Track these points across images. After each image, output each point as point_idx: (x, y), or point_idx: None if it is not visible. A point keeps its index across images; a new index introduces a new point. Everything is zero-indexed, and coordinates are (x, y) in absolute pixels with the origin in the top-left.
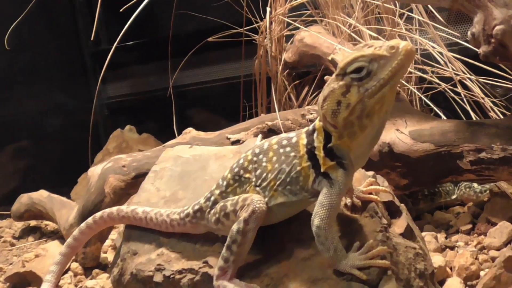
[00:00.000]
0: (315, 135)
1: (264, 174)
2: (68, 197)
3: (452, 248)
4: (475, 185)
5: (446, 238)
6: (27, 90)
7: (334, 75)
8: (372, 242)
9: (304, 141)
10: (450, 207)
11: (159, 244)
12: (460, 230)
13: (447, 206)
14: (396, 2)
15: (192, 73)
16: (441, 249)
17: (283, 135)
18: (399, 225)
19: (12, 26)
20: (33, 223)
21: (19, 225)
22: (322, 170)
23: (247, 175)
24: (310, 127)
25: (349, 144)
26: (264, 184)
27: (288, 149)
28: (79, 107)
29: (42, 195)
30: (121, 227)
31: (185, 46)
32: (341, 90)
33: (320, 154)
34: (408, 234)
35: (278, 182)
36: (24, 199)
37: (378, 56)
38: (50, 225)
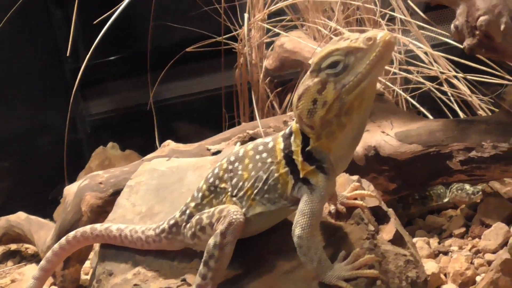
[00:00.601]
0: (292, 138)
1: (241, 183)
2: (51, 218)
3: (445, 253)
4: (467, 186)
5: (439, 243)
6: (5, 108)
7: (308, 72)
8: (358, 251)
9: (281, 145)
10: (442, 211)
11: (135, 263)
12: (453, 234)
13: (439, 209)
14: (376, 1)
15: (172, 86)
16: (434, 255)
17: (259, 140)
18: (388, 231)
19: None
20: (13, 246)
21: None
22: (301, 175)
23: (222, 185)
24: (287, 130)
25: (328, 145)
26: (241, 193)
27: (264, 155)
28: (59, 125)
29: (19, 217)
30: (97, 246)
31: (164, 59)
32: (317, 87)
33: (298, 158)
34: (397, 240)
35: (255, 191)
36: (1, 222)
37: (355, 48)
38: (31, 248)
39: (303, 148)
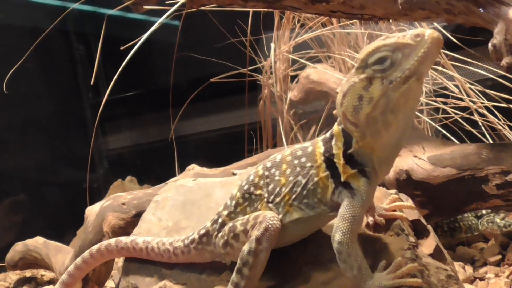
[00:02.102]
0: (333, 141)
1: (278, 189)
2: None
3: (482, 279)
4: (498, 219)
5: (473, 270)
6: (25, 143)
7: (353, 69)
8: (400, 260)
9: (321, 149)
10: (471, 243)
11: (161, 276)
12: (488, 262)
13: (469, 242)
14: (406, 29)
15: (194, 123)
16: (470, 280)
17: (297, 145)
18: (427, 245)
19: (8, 75)
20: (28, 273)
21: (14, 277)
22: (342, 179)
23: (258, 192)
24: (328, 133)
25: (372, 144)
26: (278, 199)
27: (303, 159)
28: (78, 159)
29: (37, 241)
30: (119, 263)
31: (187, 95)
32: (363, 84)
33: (339, 161)
34: (437, 255)
35: (293, 196)
36: (19, 247)
37: (402, 45)
38: (46, 275)
39: (345, 151)
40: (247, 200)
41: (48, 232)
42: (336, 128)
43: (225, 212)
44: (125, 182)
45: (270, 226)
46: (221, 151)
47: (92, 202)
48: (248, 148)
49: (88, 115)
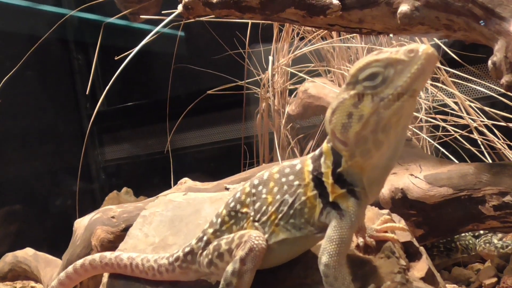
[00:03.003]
0: (322, 159)
1: (264, 207)
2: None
3: None
4: (495, 240)
5: None
6: (22, 153)
7: (344, 85)
8: (389, 284)
9: (309, 167)
10: (468, 264)
11: None
12: (483, 285)
13: (465, 262)
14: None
15: (191, 136)
16: None
17: (286, 163)
18: (419, 268)
19: (3, 82)
20: (19, 285)
21: None
22: (330, 199)
23: (244, 210)
24: (317, 151)
25: (362, 165)
26: (264, 218)
27: (291, 177)
28: (75, 170)
29: (27, 253)
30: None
31: (184, 107)
32: (353, 100)
33: (328, 181)
34: (429, 279)
35: (279, 216)
36: (8, 258)
37: (395, 60)
38: (36, 287)
39: (334, 170)
40: (233, 218)
41: (43, 242)
42: (325, 145)
43: (211, 230)
44: (121, 193)
45: (255, 246)
46: (217, 165)
47: (87, 213)
48: (244, 162)
49: (86, 125)
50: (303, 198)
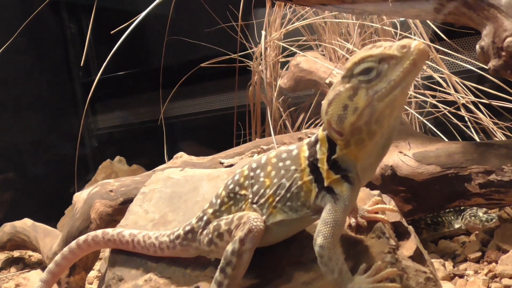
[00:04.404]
0: (317, 146)
1: (262, 190)
2: (55, 229)
3: (461, 276)
4: (480, 213)
5: (453, 266)
6: (15, 121)
7: (339, 77)
8: (380, 264)
9: (305, 153)
10: (454, 237)
11: (147, 269)
12: (468, 258)
13: (451, 235)
14: (397, 24)
15: (184, 104)
16: (450, 277)
17: (283, 148)
18: (408, 247)
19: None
20: (16, 254)
21: (2, 257)
22: (325, 184)
23: (243, 192)
24: (312, 138)
25: (356, 153)
26: (262, 201)
27: (288, 162)
28: (68, 138)
29: (26, 223)
30: (107, 252)
31: (177, 77)
32: (348, 93)
33: (323, 166)
34: (417, 257)
35: (277, 198)
36: (7, 228)
37: (388, 56)
38: (34, 256)
39: (329, 157)
40: (232, 199)
41: (37, 210)
42: (321, 133)
43: (210, 210)
44: (114, 162)
45: (253, 227)
46: (210, 133)
47: (81, 181)
48: (237, 133)
49: (79, 94)
50: (299, 182)
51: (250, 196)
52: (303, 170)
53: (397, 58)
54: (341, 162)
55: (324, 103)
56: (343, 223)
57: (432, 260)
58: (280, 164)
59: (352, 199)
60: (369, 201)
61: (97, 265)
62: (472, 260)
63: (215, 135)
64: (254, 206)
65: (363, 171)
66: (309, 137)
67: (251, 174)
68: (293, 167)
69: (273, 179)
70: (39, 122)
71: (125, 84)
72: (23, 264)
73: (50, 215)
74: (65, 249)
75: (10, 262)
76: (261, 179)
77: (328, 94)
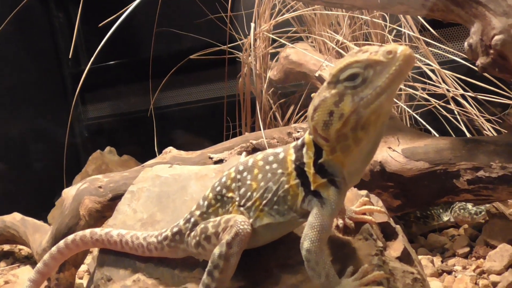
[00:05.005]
0: (304, 150)
1: (249, 193)
2: (45, 220)
3: (449, 272)
4: (470, 206)
5: (442, 262)
6: (3, 112)
7: (325, 83)
8: (367, 267)
9: (292, 156)
10: (443, 230)
11: (135, 270)
12: (457, 254)
13: (441, 228)
14: (386, 16)
15: (174, 94)
16: (438, 274)
17: (269, 150)
18: (396, 248)
19: None
20: (6, 247)
21: None
22: (312, 188)
23: (230, 194)
24: (299, 141)
25: (342, 159)
26: (249, 204)
27: (274, 165)
28: (58, 129)
29: (15, 218)
30: (96, 251)
31: (167, 67)
32: (334, 99)
33: (310, 170)
34: (405, 258)
35: (264, 202)
36: None
37: (374, 62)
38: (24, 250)
39: (315, 161)
40: (219, 201)
41: (27, 201)
42: (307, 137)
43: (198, 212)
44: (104, 153)
45: (240, 231)
46: (200, 123)
47: (71, 172)
48: (226, 125)
49: (68, 83)
50: (286, 186)
51: (237, 199)
52: (289, 174)
53: (383, 64)
54: (327, 166)
55: (310, 108)
56: (330, 227)
57: (421, 256)
58: (267, 167)
59: (338, 203)
60: (356, 201)
61: (89, 258)
62: (461, 256)
63: (205, 124)
64: (241, 209)
65: (349, 175)
66: (298, 131)
67: (238, 176)
68: (279, 171)
69: (260, 182)
70: (28, 113)
71: (115, 74)
72: (13, 259)
73: (40, 206)
74: (53, 248)
75: (0, 256)
76: (248, 182)
77: (313, 100)
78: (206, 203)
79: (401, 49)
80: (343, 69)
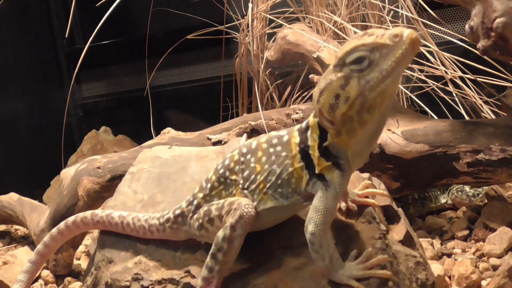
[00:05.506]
0: (308, 132)
1: (253, 176)
2: (41, 200)
3: (449, 255)
4: (467, 188)
5: (441, 244)
6: None
7: (331, 66)
8: (371, 250)
9: (296, 139)
10: (441, 212)
11: (136, 251)
12: (456, 236)
13: (438, 210)
14: None
15: (170, 73)
16: (438, 257)
17: (273, 133)
18: (398, 231)
19: None
20: (2, 227)
21: None
22: (316, 171)
23: (233, 177)
24: (303, 124)
25: (347, 141)
26: (253, 186)
27: (278, 148)
28: (53, 108)
29: (12, 198)
30: (95, 232)
31: (163, 46)
32: (340, 82)
33: (314, 153)
34: (407, 241)
35: (268, 185)
36: None
37: (381, 45)
38: (21, 230)
39: (320, 143)
40: (222, 184)
41: (22, 181)
42: (312, 120)
43: (201, 195)
44: (99, 132)
45: (244, 213)
46: (197, 103)
47: (66, 151)
48: (223, 105)
49: (63, 62)
50: (290, 169)
51: (241, 181)
52: (294, 157)
53: (389, 47)
54: (332, 149)
55: (316, 91)
56: (334, 210)
57: (420, 239)
58: (271, 150)
59: (343, 186)
60: (359, 184)
61: (88, 239)
62: (460, 238)
63: (202, 104)
64: (245, 191)
65: (353, 158)
66: (297, 113)
67: (242, 159)
68: (284, 153)
69: (264, 165)
70: (23, 92)
71: (110, 53)
72: (10, 238)
73: (36, 186)
74: (54, 229)
75: None
76: (252, 165)
77: (319, 83)
78: (209, 185)
79: (407, 32)
80: (350, 52)
